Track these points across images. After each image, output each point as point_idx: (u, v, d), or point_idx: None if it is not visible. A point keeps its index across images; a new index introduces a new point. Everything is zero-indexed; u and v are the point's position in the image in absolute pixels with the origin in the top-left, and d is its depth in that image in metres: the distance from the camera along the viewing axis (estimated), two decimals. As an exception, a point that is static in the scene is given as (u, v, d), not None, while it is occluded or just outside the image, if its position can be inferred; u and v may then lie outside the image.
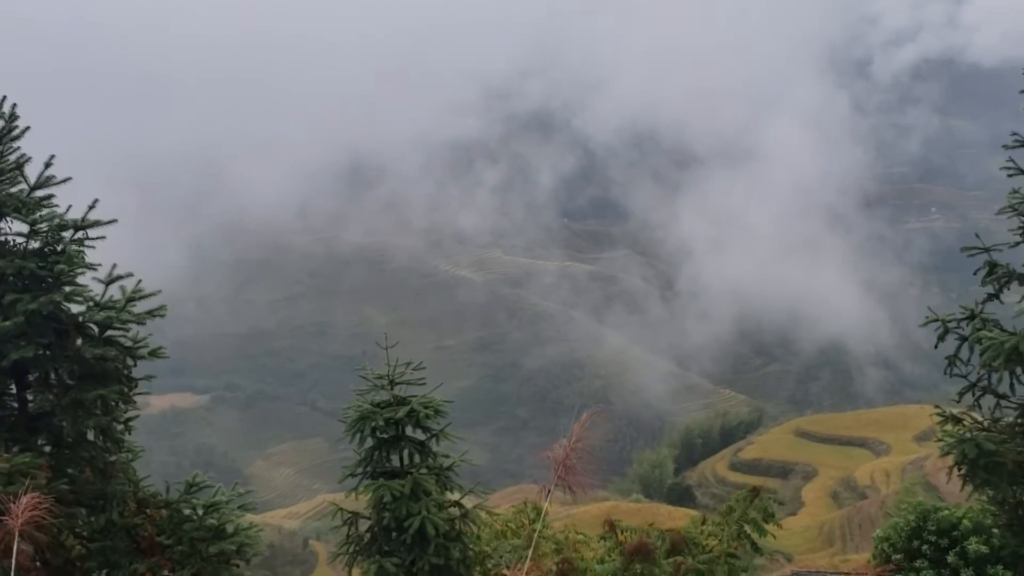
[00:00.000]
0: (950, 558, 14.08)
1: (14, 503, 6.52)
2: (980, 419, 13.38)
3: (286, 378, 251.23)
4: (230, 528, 9.48)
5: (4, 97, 9.33)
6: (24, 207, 9.21)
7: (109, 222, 9.36)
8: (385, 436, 11.72)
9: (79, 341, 9.21)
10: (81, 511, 9.35)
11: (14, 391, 9.44)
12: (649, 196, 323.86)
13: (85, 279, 9.32)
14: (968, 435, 12.96)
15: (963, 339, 13.16)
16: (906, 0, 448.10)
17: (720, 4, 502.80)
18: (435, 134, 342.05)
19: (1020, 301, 12.80)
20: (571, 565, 12.45)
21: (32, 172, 9.46)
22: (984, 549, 13.69)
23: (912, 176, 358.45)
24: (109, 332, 9.25)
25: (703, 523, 13.42)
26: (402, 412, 11.49)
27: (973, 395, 13.34)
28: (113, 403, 9.33)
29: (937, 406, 13.97)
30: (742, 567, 13.13)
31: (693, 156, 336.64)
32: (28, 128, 9.38)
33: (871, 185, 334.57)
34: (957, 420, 13.44)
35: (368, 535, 11.73)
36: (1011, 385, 12.83)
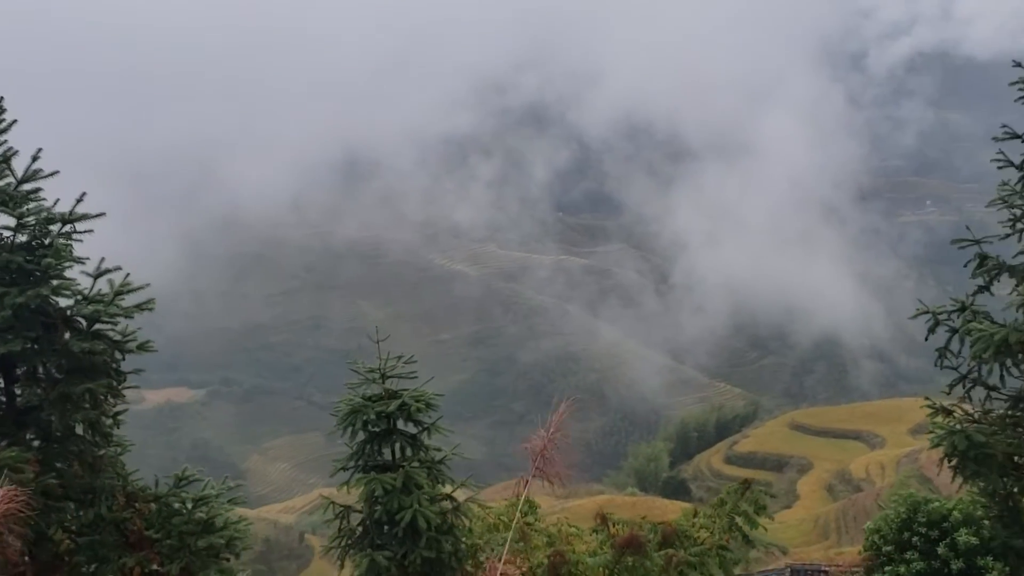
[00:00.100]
0: (940, 549, 14.12)
1: (-4, 497, 6.49)
2: (970, 411, 13.39)
3: (282, 372, 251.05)
4: (219, 522, 9.46)
5: (-12, 91, 9.28)
6: (11, 201, 9.17)
7: (97, 215, 9.32)
8: (376, 430, 11.73)
9: (67, 335, 9.17)
10: (69, 505, 9.33)
11: (2, 385, 9.40)
12: (644, 190, 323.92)
13: (73, 273, 9.29)
14: (958, 427, 12.98)
15: (953, 331, 13.17)
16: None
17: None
18: (430, 128, 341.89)
19: (1010, 293, 12.82)
20: (562, 558, 12.46)
21: (19, 166, 9.42)
22: (974, 540, 13.74)
23: (907, 169, 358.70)
24: (97, 326, 9.21)
25: (695, 516, 13.43)
26: (393, 406, 11.49)
27: (964, 387, 13.36)
28: (101, 397, 9.29)
29: (927, 398, 13.99)
30: (734, 559, 13.15)
31: (688, 150, 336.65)
32: (15, 121, 9.33)
33: (866, 178, 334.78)
34: (948, 412, 13.46)
35: (360, 529, 11.73)
36: (1001, 377, 12.85)
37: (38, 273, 9.03)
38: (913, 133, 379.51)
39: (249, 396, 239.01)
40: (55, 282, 9.10)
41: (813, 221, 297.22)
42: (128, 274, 9.35)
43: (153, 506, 9.46)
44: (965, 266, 13.38)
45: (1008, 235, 13.14)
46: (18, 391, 9.44)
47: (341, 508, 11.83)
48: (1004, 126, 13.14)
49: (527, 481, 7.24)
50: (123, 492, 9.41)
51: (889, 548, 14.75)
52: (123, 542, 9.25)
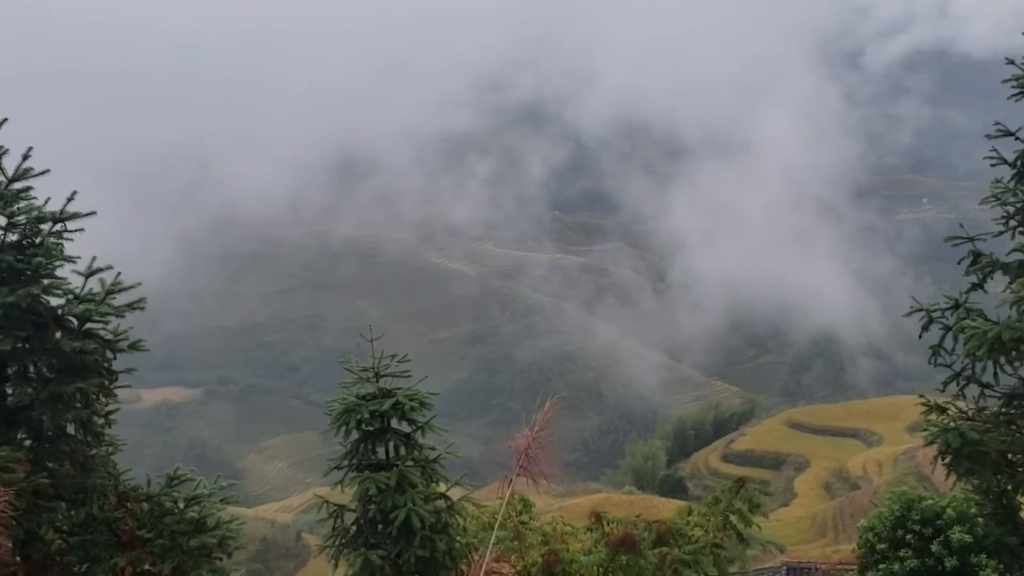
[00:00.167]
0: (934, 547, 14.12)
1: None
2: (964, 408, 13.41)
3: (279, 371, 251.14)
4: (211, 521, 9.44)
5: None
6: (1, 200, 9.15)
7: (88, 214, 9.30)
8: (370, 429, 11.70)
9: (58, 334, 9.15)
10: (61, 505, 9.31)
11: (-7, 385, 9.39)
12: (640, 188, 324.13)
13: (64, 272, 9.27)
14: (952, 424, 12.99)
15: (947, 329, 13.18)
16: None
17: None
18: (426, 126, 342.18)
19: (1004, 290, 12.83)
20: (557, 556, 12.45)
21: (11, 164, 9.38)
22: (968, 538, 13.74)
23: (903, 167, 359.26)
24: (88, 325, 9.19)
25: (689, 514, 13.43)
26: (387, 405, 11.47)
27: (958, 384, 13.38)
28: (93, 396, 9.27)
29: (921, 395, 14.00)
30: (728, 557, 13.15)
31: (684, 148, 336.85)
32: (5, 120, 9.29)
33: (862, 176, 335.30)
34: (942, 409, 13.47)
35: (354, 528, 11.72)
36: (995, 374, 12.86)
37: (29, 272, 9.01)
38: (910, 131, 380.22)
39: (246, 395, 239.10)
40: (46, 281, 9.08)
41: (810, 219, 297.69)
42: (119, 273, 9.33)
43: (145, 505, 9.43)
44: (959, 263, 13.41)
45: (1001, 232, 13.17)
46: (9, 390, 9.41)
47: (335, 507, 11.82)
48: (997, 123, 13.17)
49: (511, 480, 7.23)
50: (115, 492, 9.39)
51: (883, 546, 14.76)
52: (115, 542, 9.23)
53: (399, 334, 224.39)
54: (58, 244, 9.21)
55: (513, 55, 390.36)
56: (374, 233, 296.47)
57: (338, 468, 11.82)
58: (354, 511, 11.67)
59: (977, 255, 13.29)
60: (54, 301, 9.21)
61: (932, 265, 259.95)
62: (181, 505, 9.52)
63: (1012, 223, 13.06)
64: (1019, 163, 13.12)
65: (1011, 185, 13.08)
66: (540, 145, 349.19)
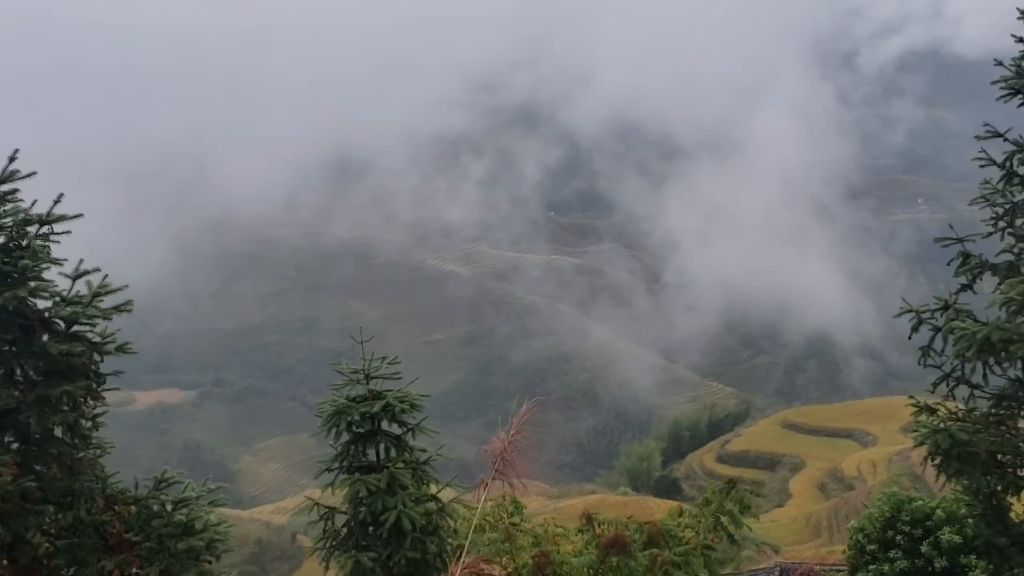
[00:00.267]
0: (924, 548, 14.16)
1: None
2: (954, 409, 13.42)
3: (274, 373, 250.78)
4: (199, 524, 9.41)
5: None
6: (-12, 203, 9.11)
7: (75, 216, 9.26)
8: (361, 431, 11.70)
9: (45, 337, 9.11)
10: (48, 508, 9.26)
11: (-21, 389, 9.34)
12: (635, 189, 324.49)
13: (51, 274, 9.23)
14: (942, 425, 13.00)
15: (936, 330, 13.19)
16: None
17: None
18: (421, 127, 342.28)
19: (993, 291, 12.85)
20: (547, 558, 12.44)
21: (-2, 166, 9.33)
22: (957, 539, 13.77)
23: (897, 167, 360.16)
24: (75, 328, 9.16)
25: (680, 515, 13.44)
26: (377, 407, 11.46)
27: (947, 385, 13.39)
28: (80, 399, 9.24)
29: (911, 396, 14.02)
30: (719, 559, 13.16)
31: (679, 148, 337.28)
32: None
33: (856, 176, 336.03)
34: (932, 410, 13.47)
35: (344, 530, 11.72)
36: (984, 375, 12.87)
37: (15, 275, 8.97)
38: (904, 131, 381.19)
39: (241, 397, 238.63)
40: (33, 284, 9.04)
41: (804, 219, 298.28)
42: (106, 275, 9.30)
43: (133, 508, 9.39)
44: (948, 264, 13.44)
45: (991, 233, 13.19)
46: (-5, 393, 9.37)
47: (325, 509, 11.81)
48: (986, 124, 13.20)
49: (486, 484, 7.23)
50: (102, 495, 9.35)
51: (873, 547, 14.79)
52: (102, 545, 9.19)
53: (394, 335, 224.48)
54: (45, 246, 9.17)
55: (508, 56, 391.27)
56: (369, 234, 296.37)
57: (329, 470, 11.83)
58: (345, 513, 11.67)
59: (966, 256, 13.30)
60: (41, 304, 9.17)
61: (926, 265, 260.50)
62: (169, 508, 9.49)
63: (1001, 224, 13.08)
64: (1008, 164, 13.14)
65: (1000, 186, 13.11)
66: (535, 146, 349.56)
